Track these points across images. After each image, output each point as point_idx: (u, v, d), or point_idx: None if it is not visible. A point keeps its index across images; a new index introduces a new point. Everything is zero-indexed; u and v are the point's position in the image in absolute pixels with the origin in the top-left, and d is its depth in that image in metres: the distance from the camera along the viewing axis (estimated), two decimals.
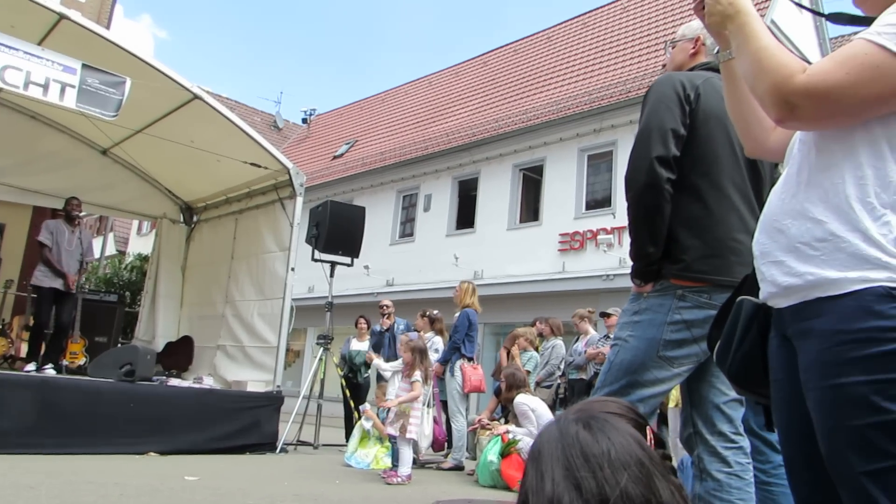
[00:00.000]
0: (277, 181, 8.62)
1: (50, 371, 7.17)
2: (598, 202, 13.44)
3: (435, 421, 7.30)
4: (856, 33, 1.26)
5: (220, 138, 8.03)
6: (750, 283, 1.49)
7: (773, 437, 2.58)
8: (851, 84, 1.19)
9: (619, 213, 12.48)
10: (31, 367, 7.23)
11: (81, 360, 8.52)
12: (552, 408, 7.08)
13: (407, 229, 17.39)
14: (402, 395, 6.02)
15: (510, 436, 6.04)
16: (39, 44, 6.65)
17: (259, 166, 8.31)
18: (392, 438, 6.20)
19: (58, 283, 7.58)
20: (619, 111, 13.04)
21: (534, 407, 6.17)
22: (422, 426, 6.34)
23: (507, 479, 5.75)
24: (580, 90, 14.73)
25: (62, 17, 6.57)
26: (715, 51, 1.72)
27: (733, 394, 2.37)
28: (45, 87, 6.27)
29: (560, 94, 15.32)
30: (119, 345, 9.61)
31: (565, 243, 13.37)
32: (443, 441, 7.45)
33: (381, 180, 17.95)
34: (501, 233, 14.79)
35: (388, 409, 6.17)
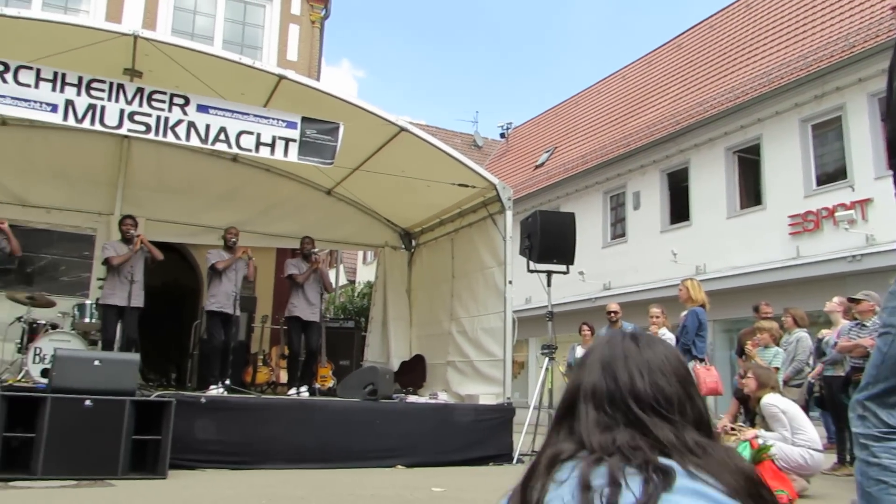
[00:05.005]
0: (486, 198, 8.85)
1: (305, 394, 7.95)
2: (831, 176, 12.06)
3: None
4: None
5: (427, 164, 8.44)
6: None
7: None
8: None
9: (860, 184, 11.12)
10: (293, 391, 8.07)
11: (330, 383, 9.34)
12: (805, 409, 6.43)
13: (618, 230, 16.95)
14: None
15: (760, 441, 5.54)
16: (265, 105, 7.47)
17: (467, 186, 8.61)
18: None
19: (303, 313, 8.37)
20: (843, 70, 11.67)
21: (784, 408, 5.62)
22: None
23: None
24: (792, 55, 13.38)
25: (282, 77, 7.33)
26: None
27: None
28: (272, 145, 7.02)
29: (769, 63, 14.04)
30: (360, 367, 10.39)
31: (797, 225, 12.17)
32: None
33: (586, 183, 17.69)
34: (721, 222, 13.84)
35: None
